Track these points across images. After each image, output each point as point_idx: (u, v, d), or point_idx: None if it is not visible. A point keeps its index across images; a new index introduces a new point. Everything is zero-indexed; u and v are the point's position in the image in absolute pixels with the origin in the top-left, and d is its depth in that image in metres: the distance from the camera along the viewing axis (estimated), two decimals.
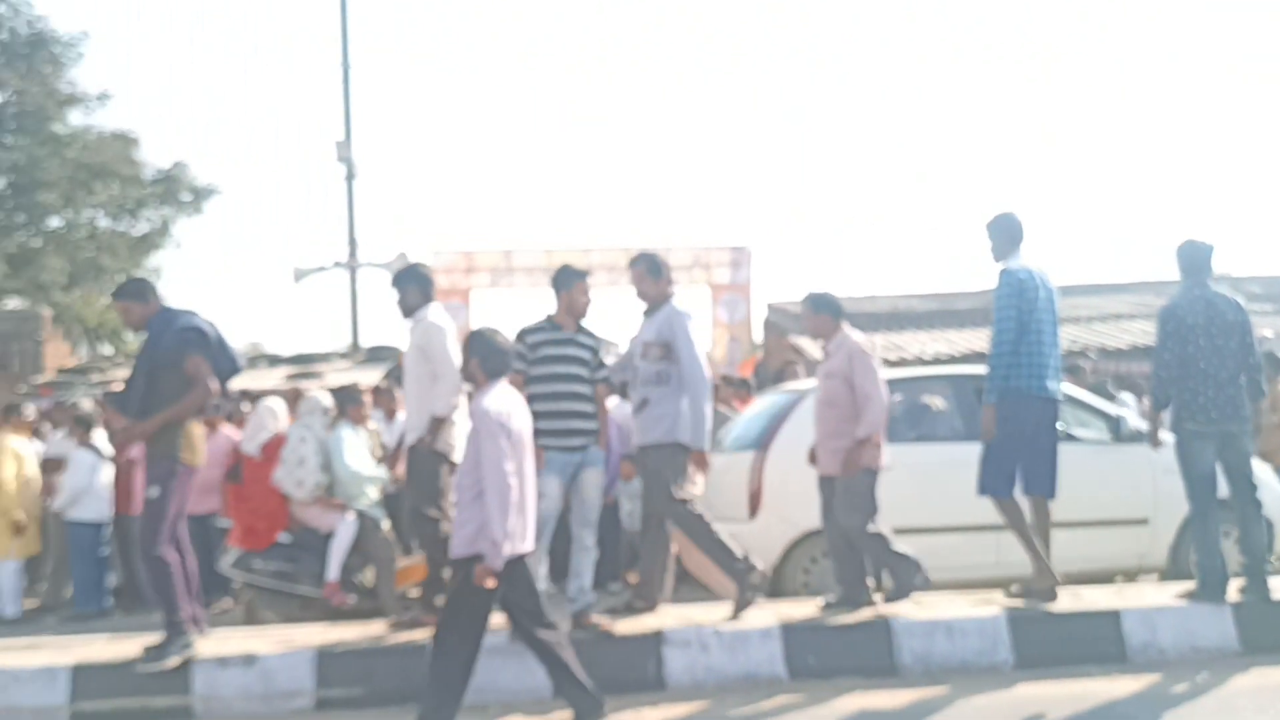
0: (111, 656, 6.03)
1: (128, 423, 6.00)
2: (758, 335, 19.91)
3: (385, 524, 7.84)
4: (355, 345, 20.25)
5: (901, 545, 6.65)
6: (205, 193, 24.06)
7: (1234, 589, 6.63)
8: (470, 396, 5.53)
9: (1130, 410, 9.28)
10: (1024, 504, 6.66)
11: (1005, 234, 6.74)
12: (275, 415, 8.27)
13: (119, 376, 16.81)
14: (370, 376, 14.41)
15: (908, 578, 6.59)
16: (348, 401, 8.06)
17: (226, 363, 6.03)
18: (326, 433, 7.84)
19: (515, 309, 20.48)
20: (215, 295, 55.42)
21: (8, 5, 22.29)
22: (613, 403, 8.07)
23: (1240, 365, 6.63)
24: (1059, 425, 6.78)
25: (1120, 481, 7.95)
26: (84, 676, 5.85)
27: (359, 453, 7.87)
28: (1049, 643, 6.32)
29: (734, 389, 10.91)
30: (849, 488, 6.54)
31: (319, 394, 8.23)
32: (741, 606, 6.41)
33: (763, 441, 7.84)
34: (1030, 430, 6.54)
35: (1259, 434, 8.57)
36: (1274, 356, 9.91)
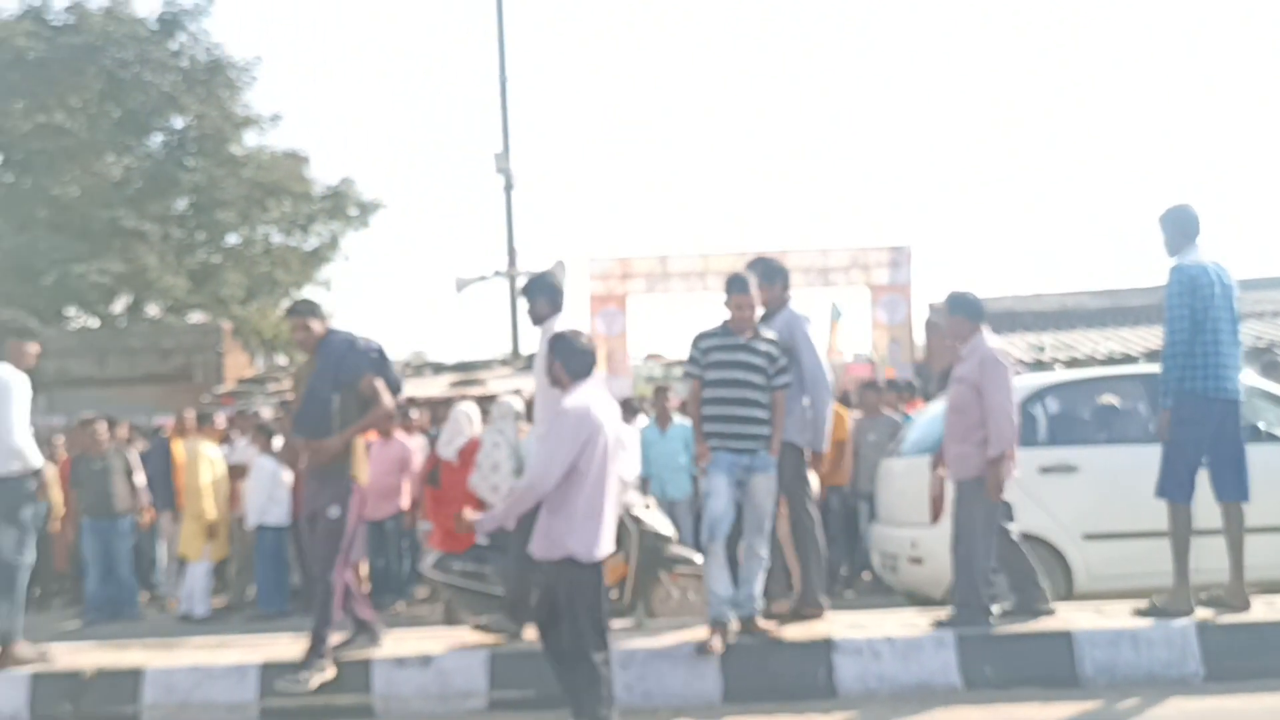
0: (296, 655, 6.25)
1: (307, 442, 6.04)
2: (919, 336, 19.50)
3: None
4: (515, 352, 20.62)
5: (988, 590, 6.37)
6: (371, 207, 24.86)
7: None
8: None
9: None
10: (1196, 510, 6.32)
11: (1179, 228, 6.41)
12: (471, 420, 8.35)
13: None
14: (530, 383, 14.65)
15: (971, 612, 6.29)
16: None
17: (394, 382, 6.20)
18: (519, 437, 7.89)
19: (671, 314, 20.52)
20: (381, 306, 57.16)
21: (189, 35, 23.47)
22: None
23: None
24: (1260, 425, 6.42)
25: None
26: (272, 674, 6.08)
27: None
28: (1243, 654, 6.00)
29: (898, 392, 10.72)
30: (966, 492, 6.38)
31: (510, 399, 8.29)
32: (788, 620, 6.43)
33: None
34: (1211, 434, 6.21)
35: None
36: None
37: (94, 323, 22.54)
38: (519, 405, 8.13)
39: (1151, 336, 15.53)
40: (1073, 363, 14.16)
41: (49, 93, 21.39)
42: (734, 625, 6.06)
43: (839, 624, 6.42)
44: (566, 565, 5.04)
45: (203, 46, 23.63)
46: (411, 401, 13.79)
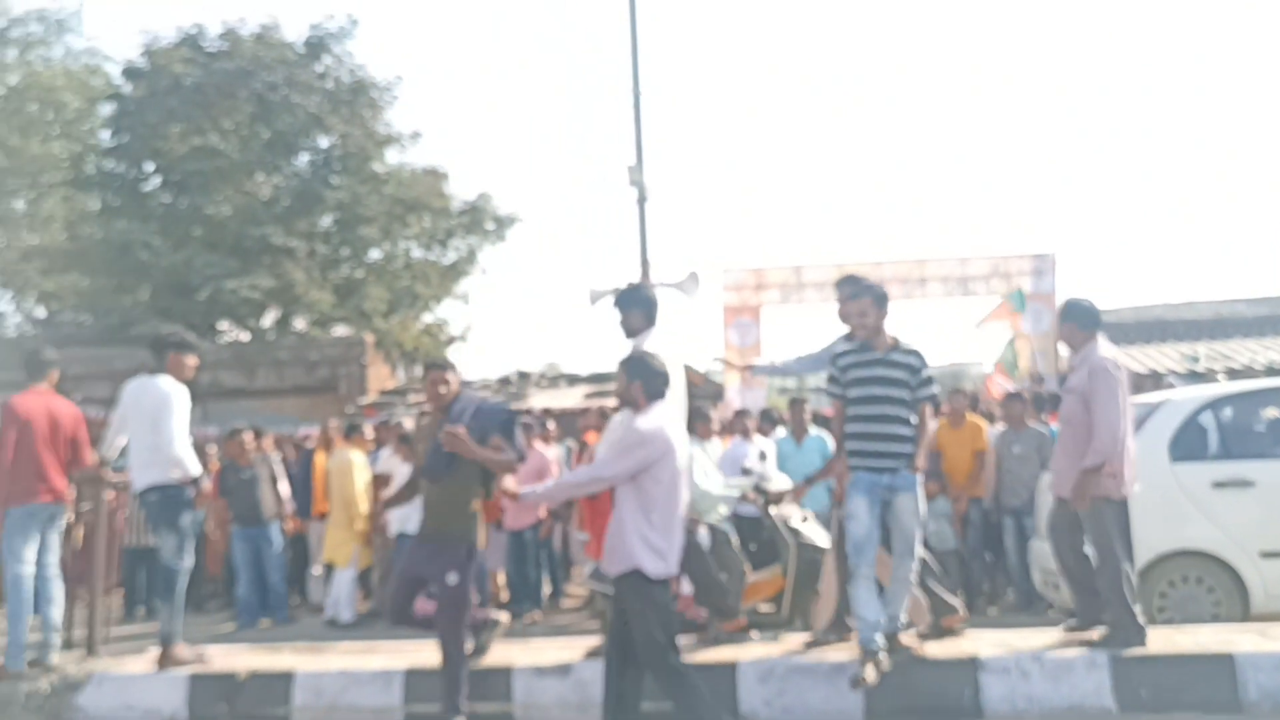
0: (440, 662, 6.36)
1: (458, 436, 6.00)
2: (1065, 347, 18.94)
3: (734, 539, 7.82)
4: None
5: (1137, 606, 6.12)
6: (508, 221, 25.24)
7: None
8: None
9: None
10: None
11: None
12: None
13: None
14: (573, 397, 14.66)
15: (1124, 633, 6.05)
16: (695, 418, 8.14)
17: (519, 448, 6.06)
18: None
19: (805, 325, 20.34)
20: (517, 318, 58.09)
21: (333, 57, 24.23)
22: None
23: None
24: None
25: None
26: (416, 680, 6.21)
27: (708, 469, 7.88)
28: None
29: (1040, 404, 10.42)
30: (1090, 518, 6.14)
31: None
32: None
33: None
34: None
35: None
36: None
37: (244, 336, 23.36)
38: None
39: None
40: (1230, 373, 13.54)
41: (204, 116, 22.30)
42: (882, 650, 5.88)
43: (985, 642, 6.25)
44: (635, 579, 5.15)
45: (347, 68, 24.37)
46: (547, 412, 13.95)
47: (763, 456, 8.44)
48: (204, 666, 6.60)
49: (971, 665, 5.94)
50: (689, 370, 6.94)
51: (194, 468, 6.57)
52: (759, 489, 7.55)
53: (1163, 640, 6.13)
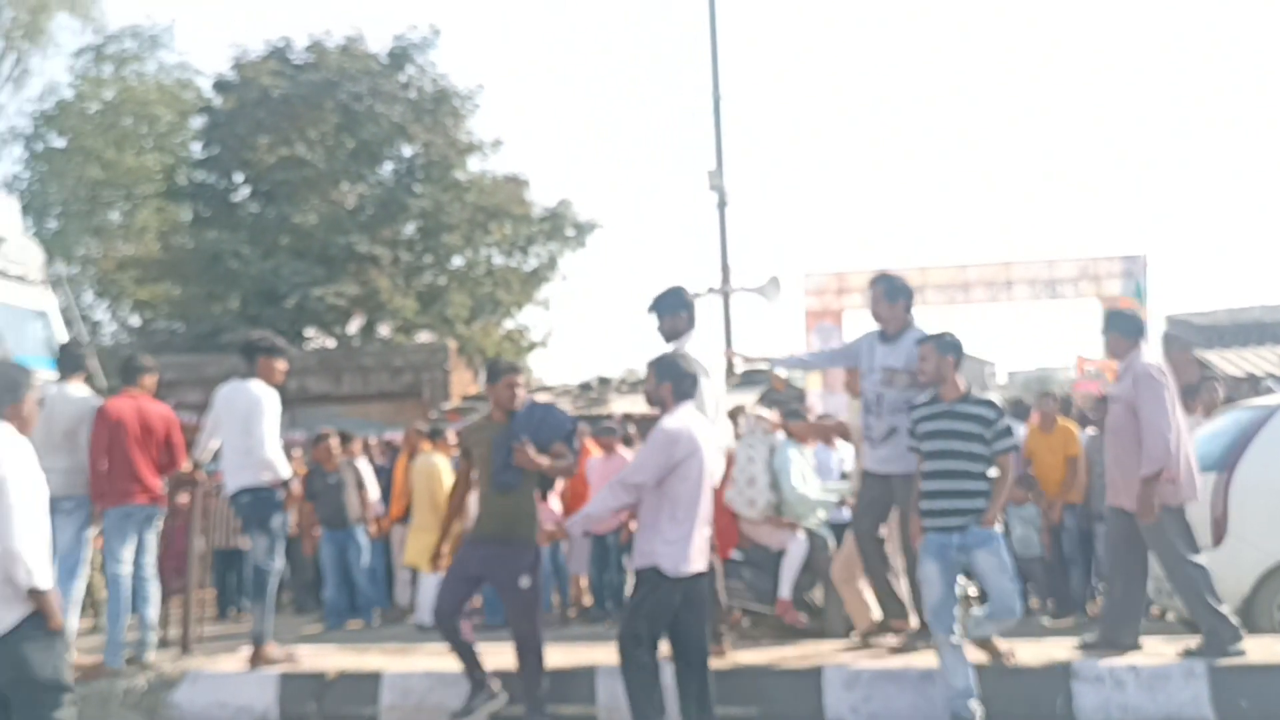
0: (517, 665, 6.40)
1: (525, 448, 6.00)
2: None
3: (832, 544, 7.77)
4: (730, 369, 20.62)
5: (1223, 606, 5.99)
6: (588, 227, 25.38)
7: None
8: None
9: None
10: None
11: None
12: (724, 434, 8.29)
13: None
14: (745, 399, 14.61)
15: (1219, 638, 5.87)
16: (790, 420, 8.09)
17: (575, 457, 6.19)
18: (770, 451, 7.82)
19: None
20: (597, 323, 58.35)
21: (416, 67, 24.58)
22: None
23: None
24: None
25: None
26: (502, 682, 6.23)
27: (805, 473, 7.85)
28: None
29: None
30: (1150, 529, 5.99)
31: (762, 411, 8.23)
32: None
33: (1227, 462, 7.14)
34: None
35: None
36: None
37: (331, 343, 23.76)
38: (772, 418, 8.08)
39: None
40: None
41: (291, 127, 22.76)
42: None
43: (1077, 650, 6.13)
44: (651, 574, 5.24)
45: (429, 78, 24.71)
46: (628, 417, 13.98)
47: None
48: (294, 666, 6.71)
49: (1064, 673, 5.82)
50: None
51: (284, 470, 6.69)
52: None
53: (1265, 650, 5.95)
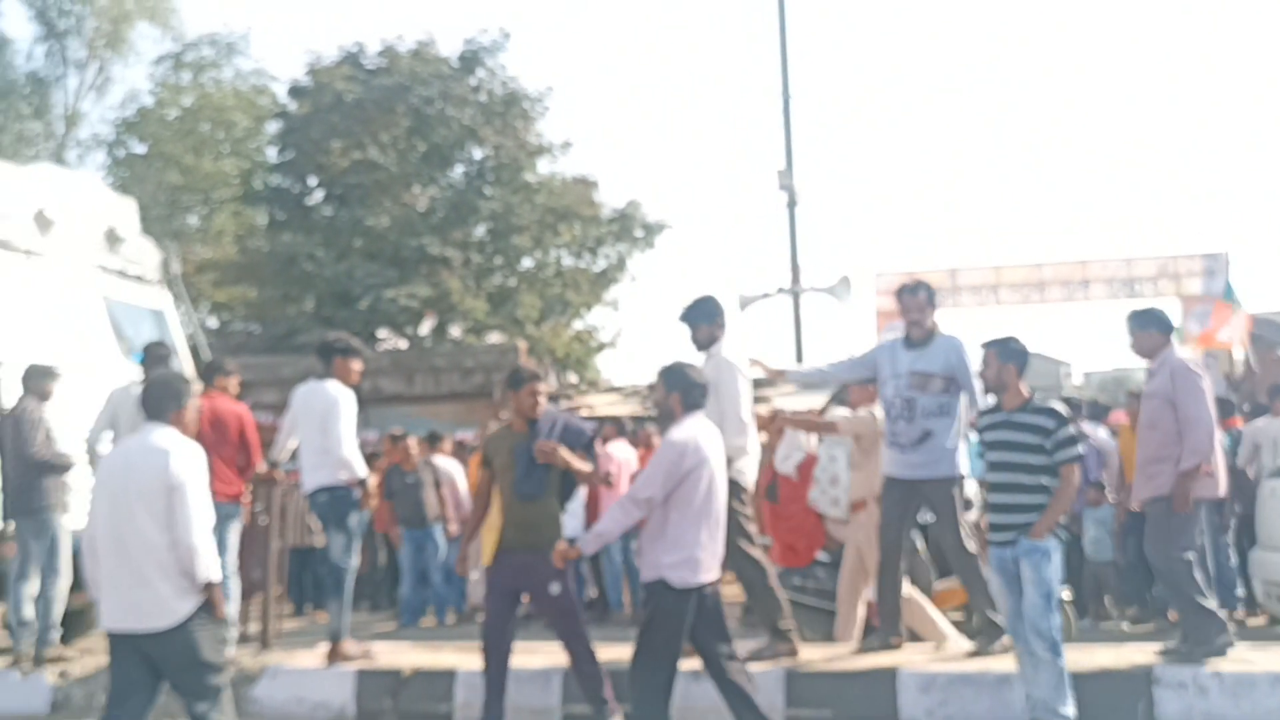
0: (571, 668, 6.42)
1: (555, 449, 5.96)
2: (1237, 350, 18.06)
3: (920, 546, 7.70)
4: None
5: (1210, 603, 5.93)
6: (656, 228, 25.35)
7: None
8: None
9: None
10: None
11: None
12: (808, 435, 8.09)
13: (586, 403, 18.05)
14: (814, 401, 14.51)
15: (1204, 634, 5.81)
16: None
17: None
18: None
19: (961, 329, 19.86)
20: (666, 324, 58.40)
21: (487, 70, 24.74)
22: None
23: None
24: None
25: None
26: (573, 680, 6.26)
27: None
28: None
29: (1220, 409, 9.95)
30: (1162, 516, 5.95)
31: (843, 412, 8.20)
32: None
33: None
34: None
35: None
36: None
37: (403, 344, 24.00)
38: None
39: None
40: None
41: (364, 131, 23.02)
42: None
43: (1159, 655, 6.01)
44: (659, 587, 5.20)
45: (499, 81, 24.83)
46: None
47: None
48: (370, 663, 6.79)
49: (1145, 678, 5.72)
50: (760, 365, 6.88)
51: (361, 470, 6.78)
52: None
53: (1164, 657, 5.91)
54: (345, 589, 6.86)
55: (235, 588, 7.20)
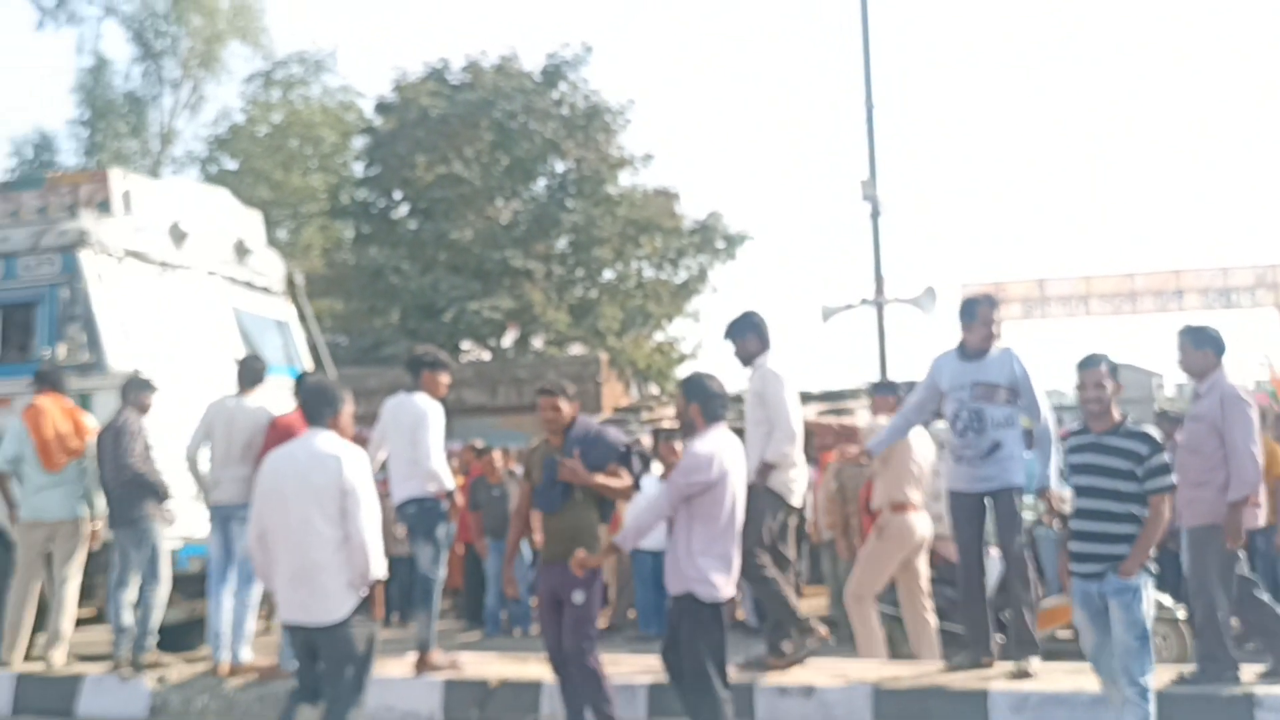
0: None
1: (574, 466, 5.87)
2: None
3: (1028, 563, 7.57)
4: (884, 381, 20.28)
5: (1229, 640, 5.82)
6: (738, 239, 25.30)
7: None
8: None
9: None
10: None
11: None
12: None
13: (667, 414, 18.04)
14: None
15: (1216, 668, 5.75)
16: None
17: (638, 478, 5.97)
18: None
19: (1050, 341, 19.52)
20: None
21: (569, 84, 24.95)
22: None
23: None
24: None
25: None
26: (659, 694, 6.27)
27: None
28: None
29: None
30: (1203, 544, 5.82)
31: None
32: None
33: None
34: None
35: None
36: None
37: (486, 355, 24.26)
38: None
39: None
40: None
41: (448, 146, 23.35)
42: None
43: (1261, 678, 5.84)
44: (688, 601, 5.22)
45: (581, 94, 25.02)
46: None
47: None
48: (457, 673, 6.86)
49: (1247, 703, 5.55)
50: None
51: (449, 481, 6.86)
52: (1057, 512, 6.73)
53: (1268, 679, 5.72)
54: (433, 600, 6.94)
55: None
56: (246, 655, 7.31)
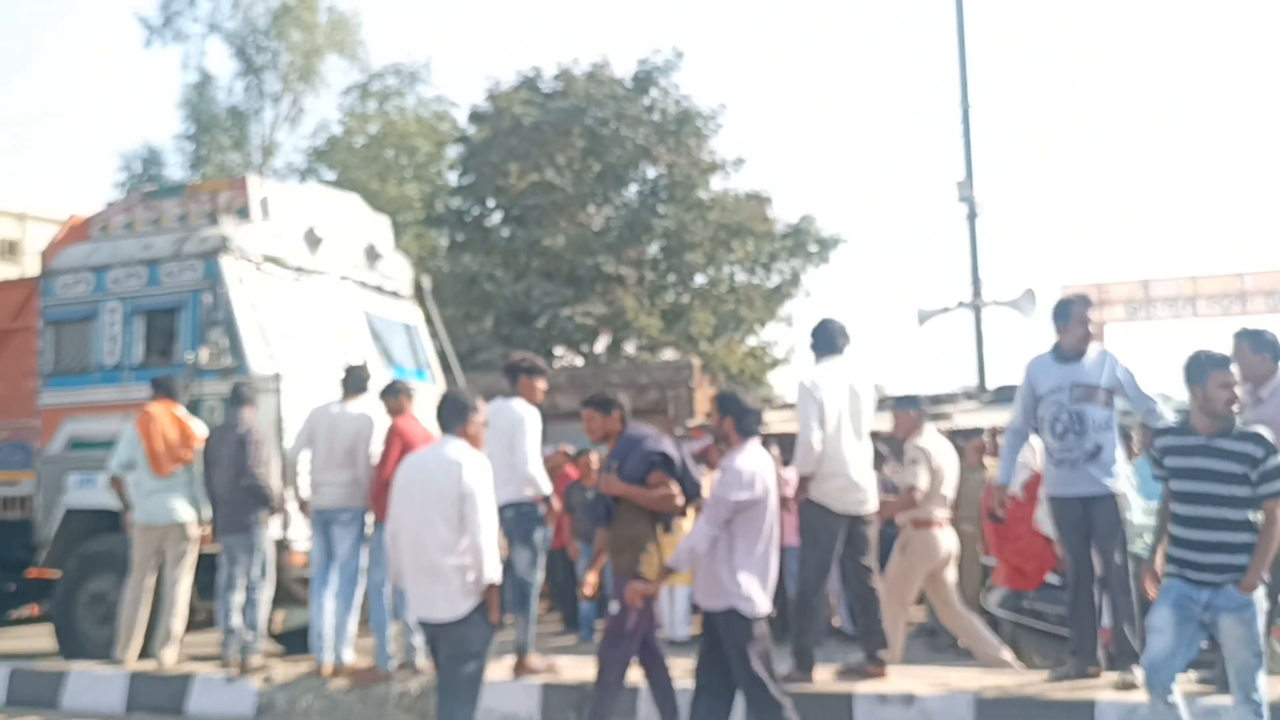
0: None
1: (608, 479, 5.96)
2: None
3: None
4: (982, 385, 19.96)
5: None
6: (831, 243, 25.07)
7: None
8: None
9: None
10: None
11: None
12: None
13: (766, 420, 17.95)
14: (998, 417, 14.10)
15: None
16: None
17: (690, 486, 5.90)
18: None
19: (1154, 343, 18.99)
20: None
21: (660, 90, 24.97)
22: None
23: None
24: None
25: None
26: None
27: (1129, 493, 7.47)
28: None
29: None
30: None
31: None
32: None
33: None
34: None
35: None
36: None
37: (579, 361, 24.39)
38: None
39: None
40: None
41: (540, 153, 23.54)
42: None
43: None
44: (730, 618, 5.28)
45: (672, 99, 25.02)
46: (874, 435, 13.70)
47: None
48: (555, 676, 6.90)
49: None
50: None
51: (546, 486, 6.91)
52: None
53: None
54: (530, 603, 7.00)
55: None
56: (349, 656, 7.45)
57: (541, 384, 7.15)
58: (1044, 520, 7.33)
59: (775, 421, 17.98)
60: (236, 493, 7.61)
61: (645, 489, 5.75)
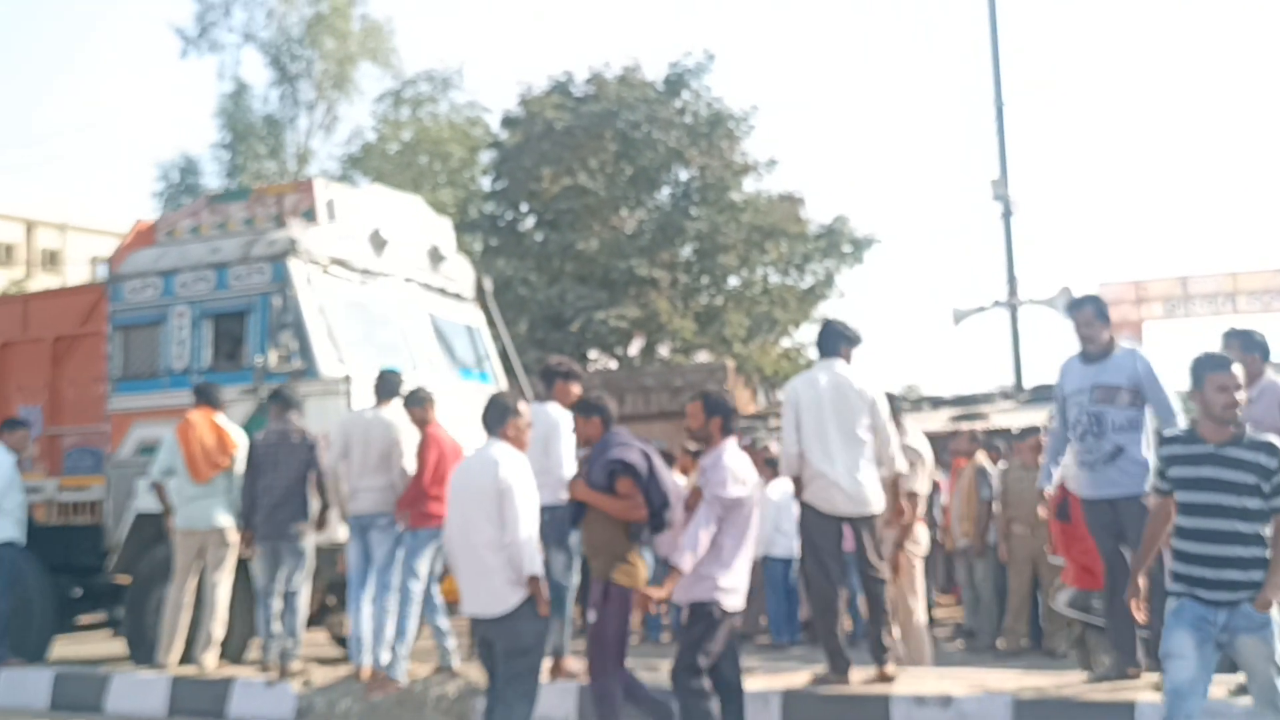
0: (813, 686, 6.36)
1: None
2: None
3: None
4: (1018, 385, 19.83)
5: None
6: (865, 243, 24.96)
7: None
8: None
9: None
10: None
11: None
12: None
13: None
14: (1035, 417, 14.02)
15: None
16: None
17: (656, 495, 5.76)
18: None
19: (1193, 341, 18.81)
20: (876, 340, 57.35)
21: (691, 92, 24.98)
22: None
23: None
24: None
25: None
26: (793, 701, 6.24)
27: None
28: None
29: None
30: None
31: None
32: None
33: None
34: None
35: None
36: None
37: (613, 364, 24.43)
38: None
39: None
40: None
41: (573, 157, 23.60)
42: None
43: None
44: (713, 609, 5.46)
45: (704, 102, 25.02)
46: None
47: None
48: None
49: None
50: None
51: None
52: None
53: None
54: (567, 606, 7.02)
55: (442, 601, 7.53)
56: (386, 660, 7.51)
57: (576, 388, 7.17)
58: None
59: None
60: (288, 498, 7.70)
61: (612, 497, 5.72)
